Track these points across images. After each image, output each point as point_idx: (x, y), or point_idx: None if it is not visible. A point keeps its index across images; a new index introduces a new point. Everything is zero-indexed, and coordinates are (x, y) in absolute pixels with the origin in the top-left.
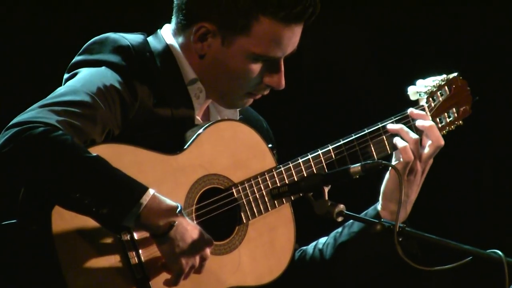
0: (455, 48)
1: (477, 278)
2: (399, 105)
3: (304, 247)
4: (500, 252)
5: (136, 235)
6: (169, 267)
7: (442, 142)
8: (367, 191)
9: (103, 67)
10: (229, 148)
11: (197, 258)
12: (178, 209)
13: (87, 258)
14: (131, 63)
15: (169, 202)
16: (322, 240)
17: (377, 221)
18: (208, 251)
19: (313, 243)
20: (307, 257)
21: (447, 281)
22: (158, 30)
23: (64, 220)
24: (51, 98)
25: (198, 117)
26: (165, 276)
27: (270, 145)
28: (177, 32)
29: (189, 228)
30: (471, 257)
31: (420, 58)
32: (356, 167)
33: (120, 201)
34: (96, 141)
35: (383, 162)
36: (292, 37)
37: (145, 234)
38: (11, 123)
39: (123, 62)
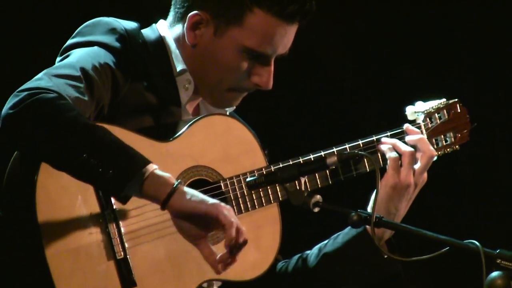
0: (442, 48)
1: (454, 268)
2: (381, 106)
3: (288, 259)
4: (477, 243)
5: (121, 222)
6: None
7: (434, 153)
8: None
9: (96, 47)
10: (221, 142)
11: (218, 207)
12: (177, 182)
13: (71, 244)
14: (123, 45)
15: (169, 175)
16: (307, 252)
17: (353, 211)
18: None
19: (297, 255)
20: (289, 268)
21: (424, 272)
22: (153, 23)
23: (49, 209)
24: (52, 69)
25: (188, 109)
26: (147, 260)
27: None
28: (172, 24)
29: (192, 191)
30: (448, 248)
31: (408, 60)
32: (332, 157)
33: (126, 165)
34: (90, 116)
35: (360, 152)
36: (285, 35)
37: (131, 221)
38: (21, 87)
39: (116, 43)
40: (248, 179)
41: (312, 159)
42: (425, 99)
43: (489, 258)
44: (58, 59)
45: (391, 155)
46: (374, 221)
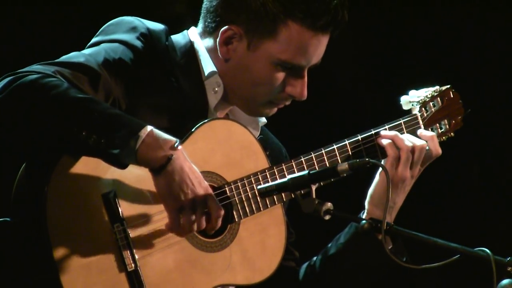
0: (444, 51)
1: (465, 276)
2: (384, 107)
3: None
4: (487, 250)
5: (130, 233)
6: (165, 204)
7: (425, 145)
8: (358, 196)
9: (116, 43)
10: (223, 146)
11: (193, 197)
12: (176, 143)
13: (82, 258)
14: (144, 44)
15: (167, 136)
16: (314, 258)
17: (364, 219)
18: (204, 194)
19: (306, 263)
20: (300, 276)
21: (434, 279)
22: (185, 30)
23: (59, 223)
24: (54, 60)
25: (218, 115)
26: (157, 270)
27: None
28: (203, 35)
29: (187, 165)
30: (458, 255)
31: (409, 61)
32: (343, 165)
33: (117, 135)
34: None
35: (371, 160)
36: (318, 46)
37: (140, 231)
38: (6, 74)
39: (136, 41)
40: (259, 187)
41: (316, 163)
42: (418, 87)
43: (500, 265)
44: None
45: (389, 151)
46: (385, 228)
